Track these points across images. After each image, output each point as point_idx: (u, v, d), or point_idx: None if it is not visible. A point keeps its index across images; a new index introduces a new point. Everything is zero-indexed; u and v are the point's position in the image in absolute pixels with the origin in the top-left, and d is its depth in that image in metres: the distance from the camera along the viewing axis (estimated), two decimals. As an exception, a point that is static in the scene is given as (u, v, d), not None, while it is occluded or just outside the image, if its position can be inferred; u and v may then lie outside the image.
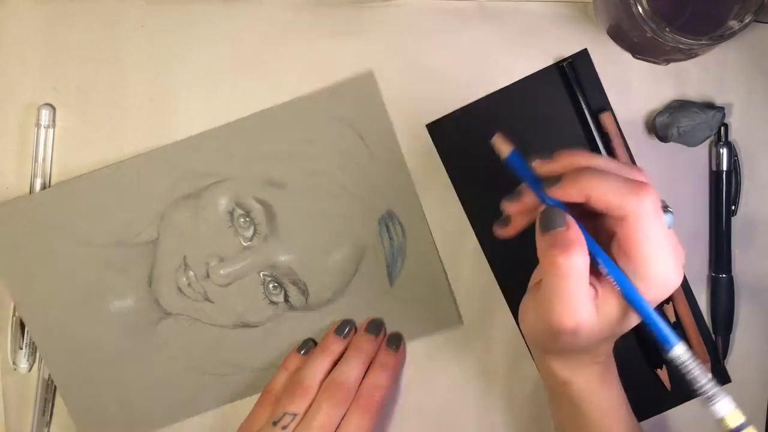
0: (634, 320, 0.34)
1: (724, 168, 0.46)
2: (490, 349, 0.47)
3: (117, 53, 0.46)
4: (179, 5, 0.46)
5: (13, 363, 0.46)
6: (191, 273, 0.45)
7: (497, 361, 0.47)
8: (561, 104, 0.46)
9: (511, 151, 0.36)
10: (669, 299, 0.47)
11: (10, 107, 0.46)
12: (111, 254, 0.45)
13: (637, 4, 0.37)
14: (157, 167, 0.45)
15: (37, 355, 0.47)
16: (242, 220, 0.45)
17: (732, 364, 0.47)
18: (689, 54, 0.39)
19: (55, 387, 0.47)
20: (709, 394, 0.31)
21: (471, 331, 0.47)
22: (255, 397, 0.46)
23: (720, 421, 0.29)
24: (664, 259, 0.32)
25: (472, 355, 0.47)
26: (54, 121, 0.46)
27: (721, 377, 0.47)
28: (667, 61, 0.42)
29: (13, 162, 0.46)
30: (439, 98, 0.46)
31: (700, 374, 0.31)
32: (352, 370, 0.43)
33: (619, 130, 0.46)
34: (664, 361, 0.46)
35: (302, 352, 0.46)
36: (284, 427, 0.41)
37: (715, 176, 0.46)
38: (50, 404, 0.47)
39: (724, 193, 0.46)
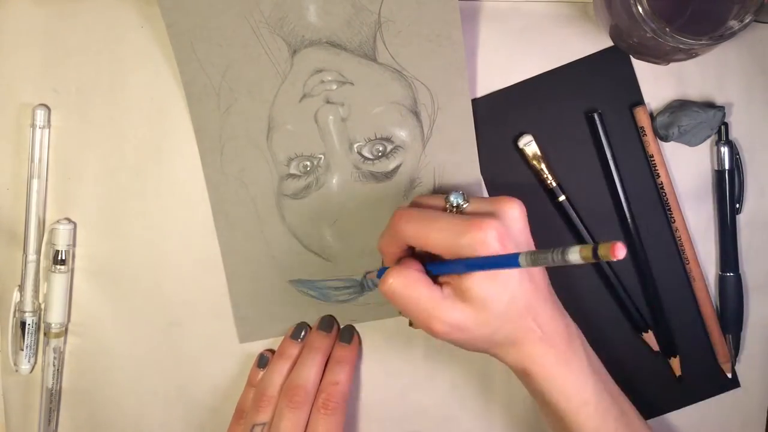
0: (507, 284, 0.36)
1: (726, 167, 0.46)
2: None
3: (117, 53, 0.46)
4: (179, 5, 0.46)
5: (15, 364, 0.46)
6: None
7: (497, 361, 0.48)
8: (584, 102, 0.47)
9: (377, 276, 0.43)
10: (674, 350, 0.47)
11: (11, 108, 0.46)
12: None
13: (637, 4, 0.37)
14: None
15: (39, 358, 0.47)
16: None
17: (738, 362, 0.48)
18: (689, 54, 0.39)
19: (60, 396, 0.47)
20: (561, 257, 0.29)
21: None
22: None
23: (583, 257, 0.28)
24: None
25: (471, 355, 0.47)
26: (49, 121, 0.46)
27: (731, 382, 0.48)
28: (668, 61, 0.42)
29: (13, 163, 0.46)
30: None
31: (547, 255, 0.30)
32: (308, 370, 0.44)
33: (653, 124, 0.46)
34: (648, 325, 0.47)
35: (261, 365, 0.46)
36: None
37: (717, 175, 0.46)
38: (55, 413, 0.47)
39: (727, 191, 0.46)
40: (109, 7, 0.46)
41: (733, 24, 0.37)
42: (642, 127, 0.46)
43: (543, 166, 0.46)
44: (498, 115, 0.46)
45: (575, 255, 0.28)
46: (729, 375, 0.47)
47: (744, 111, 0.47)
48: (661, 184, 0.46)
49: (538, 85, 0.46)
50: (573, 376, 0.38)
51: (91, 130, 0.46)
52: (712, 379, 0.48)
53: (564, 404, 0.38)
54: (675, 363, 0.47)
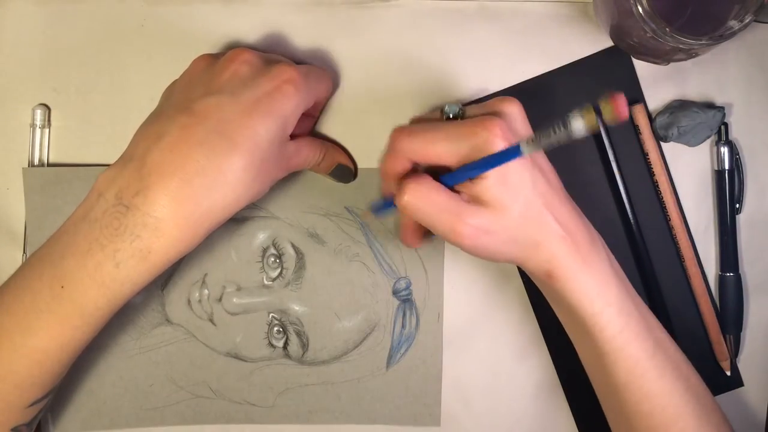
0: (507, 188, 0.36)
1: (726, 167, 0.46)
2: (495, 347, 0.48)
3: (117, 53, 0.46)
4: (179, 5, 0.46)
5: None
6: (206, 291, 0.46)
7: (501, 360, 0.48)
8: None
9: (371, 211, 0.44)
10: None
11: (11, 108, 0.46)
12: None
13: (637, 4, 0.37)
14: None
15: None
16: (272, 259, 0.46)
17: (738, 362, 0.48)
18: (689, 54, 0.39)
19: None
20: (564, 129, 0.29)
21: (475, 330, 0.47)
22: (220, 427, 0.47)
23: (587, 121, 0.29)
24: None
25: (475, 354, 0.47)
26: (49, 121, 0.46)
27: (734, 380, 0.48)
28: (668, 61, 0.42)
29: (13, 162, 0.46)
30: (438, 99, 0.46)
31: (549, 133, 0.30)
32: None
33: (653, 125, 0.46)
34: None
35: None
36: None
37: (717, 175, 0.46)
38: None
39: (727, 191, 0.46)
40: (109, 7, 0.46)
41: (733, 24, 0.37)
42: (637, 126, 0.46)
43: None
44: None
45: (578, 121, 0.28)
46: (728, 373, 0.47)
47: (744, 111, 0.47)
48: (656, 182, 0.46)
49: (538, 86, 0.46)
50: (596, 278, 0.37)
51: (91, 130, 0.46)
52: (714, 379, 0.48)
53: (587, 306, 0.37)
54: None
